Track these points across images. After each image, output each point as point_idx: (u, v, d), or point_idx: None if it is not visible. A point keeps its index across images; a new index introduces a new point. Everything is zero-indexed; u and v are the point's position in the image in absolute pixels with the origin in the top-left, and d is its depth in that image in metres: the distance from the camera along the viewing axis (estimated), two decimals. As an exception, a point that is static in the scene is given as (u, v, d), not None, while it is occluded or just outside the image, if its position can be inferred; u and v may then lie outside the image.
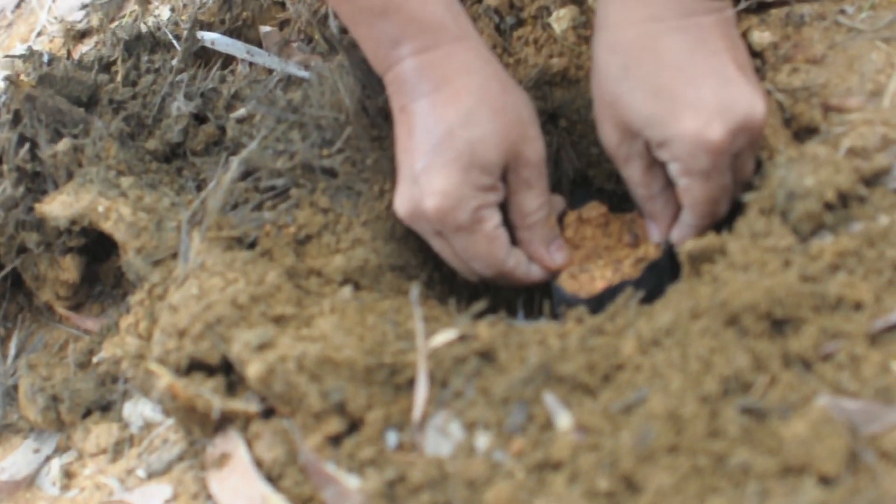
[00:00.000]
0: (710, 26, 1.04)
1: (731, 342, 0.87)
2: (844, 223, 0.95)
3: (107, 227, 1.19)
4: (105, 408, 1.17)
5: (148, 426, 1.13)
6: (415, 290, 0.99)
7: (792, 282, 0.89)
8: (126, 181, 1.22)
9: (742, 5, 1.21)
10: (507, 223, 1.15)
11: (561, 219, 1.21)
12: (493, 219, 1.11)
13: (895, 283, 0.89)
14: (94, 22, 1.70)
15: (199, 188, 1.27)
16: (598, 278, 1.16)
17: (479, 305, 1.01)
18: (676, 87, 1.02)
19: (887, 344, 0.86)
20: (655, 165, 1.09)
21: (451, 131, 1.07)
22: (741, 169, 1.06)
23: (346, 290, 1.08)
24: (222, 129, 1.32)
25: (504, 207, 1.14)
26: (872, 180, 0.99)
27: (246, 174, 1.21)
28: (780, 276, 0.90)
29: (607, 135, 1.10)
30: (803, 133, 1.10)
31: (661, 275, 1.13)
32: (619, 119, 1.07)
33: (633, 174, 1.12)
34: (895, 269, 0.90)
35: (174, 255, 1.16)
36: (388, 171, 1.20)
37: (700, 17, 1.04)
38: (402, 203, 1.12)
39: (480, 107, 1.09)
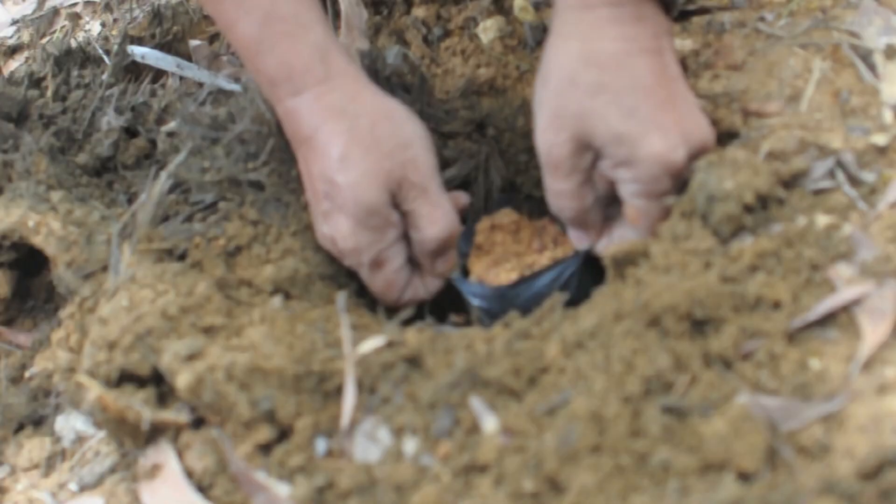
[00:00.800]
0: (667, 50, 1.05)
1: (653, 343, 0.88)
2: (764, 225, 0.97)
3: (37, 241, 1.18)
4: (37, 422, 1.17)
5: (80, 439, 1.12)
6: (341, 298, 1.00)
7: (712, 283, 0.90)
8: (56, 195, 1.22)
9: (664, 13, 1.23)
10: None
11: (473, 225, 1.22)
12: (395, 259, 1.17)
13: (813, 282, 0.91)
14: (25, 38, 1.70)
15: (131, 201, 1.27)
16: (504, 280, 1.19)
17: (407, 312, 1.02)
18: (648, 109, 1.02)
19: (805, 341, 0.87)
20: (590, 181, 1.10)
21: (332, 180, 1.12)
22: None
23: (276, 300, 1.08)
24: (153, 143, 1.32)
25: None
26: (791, 182, 1.01)
27: (175, 187, 1.21)
28: (700, 277, 0.91)
29: (558, 144, 1.08)
30: (725, 138, 1.12)
31: (572, 271, 1.15)
32: (581, 132, 1.06)
33: (570, 187, 1.11)
34: (813, 269, 0.92)
35: (104, 269, 1.15)
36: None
37: (662, 39, 1.05)
38: (319, 238, 1.19)
39: (353, 149, 1.11)
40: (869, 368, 0.84)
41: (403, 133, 1.14)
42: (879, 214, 0.96)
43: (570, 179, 1.10)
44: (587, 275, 1.15)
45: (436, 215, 1.15)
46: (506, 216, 1.22)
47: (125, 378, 1.03)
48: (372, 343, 0.97)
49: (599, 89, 1.03)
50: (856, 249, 0.93)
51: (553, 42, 1.08)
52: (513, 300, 1.15)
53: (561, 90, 1.06)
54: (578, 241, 1.16)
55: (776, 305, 0.90)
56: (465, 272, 1.22)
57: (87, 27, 1.65)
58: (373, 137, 1.12)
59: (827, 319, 0.88)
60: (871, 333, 0.86)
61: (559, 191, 1.11)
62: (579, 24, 1.05)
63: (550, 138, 1.08)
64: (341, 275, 1.19)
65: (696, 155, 1.02)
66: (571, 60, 1.05)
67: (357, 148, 1.11)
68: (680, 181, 1.03)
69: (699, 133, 1.03)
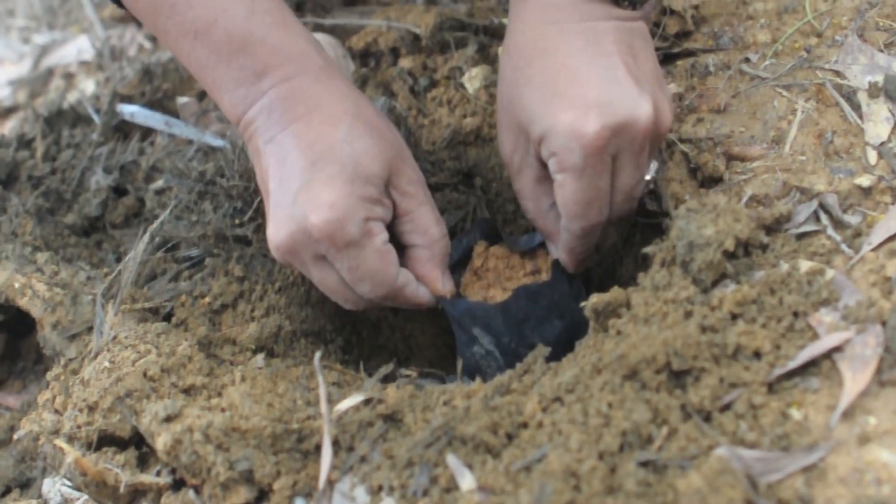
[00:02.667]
0: (606, 31, 1.03)
1: (631, 396, 0.87)
2: (747, 271, 0.95)
3: (23, 303, 1.18)
4: (25, 485, 1.16)
5: (66, 502, 1.11)
6: (317, 355, 0.99)
7: (691, 333, 0.88)
8: (42, 256, 1.22)
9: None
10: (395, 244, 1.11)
11: (470, 250, 1.19)
12: (383, 233, 1.06)
13: (794, 329, 0.89)
14: (21, 98, 1.70)
15: (119, 261, 1.27)
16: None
17: (386, 368, 1.01)
18: (561, 83, 1.01)
19: (786, 391, 0.85)
20: (546, 180, 1.08)
21: (332, 145, 1.04)
22: (621, 175, 1.04)
23: (258, 359, 1.07)
24: (142, 201, 1.31)
25: (392, 230, 1.10)
26: (774, 227, 0.99)
27: (163, 245, 1.21)
28: (679, 327, 0.90)
29: (503, 141, 1.09)
30: (709, 182, 1.10)
31: (555, 290, 1.13)
32: (512, 120, 1.06)
33: (525, 186, 1.10)
34: (794, 316, 0.90)
35: (90, 329, 1.15)
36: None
37: (596, 22, 1.03)
38: (279, 230, 1.04)
39: (357, 123, 1.06)
40: (850, 417, 0.82)
41: (398, 135, 1.13)
42: (864, 258, 0.94)
43: (522, 176, 1.10)
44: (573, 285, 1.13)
45: (437, 217, 1.12)
46: (501, 248, 1.20)
47: (106, 440, 1.03)
48: (350, 401, 0.96)
49: (517, 75, 1.04)
50: (839, 295, 0.91)
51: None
52: (512, 314, 1.13)
53: (499, 87, 1.09)
54: (552, 249, 1.15)
55: (756, 354, 0.88)
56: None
57: (81, 86, 1.66)
58: (378, 121, 1.09)
59: (808, 367, 0.86)
60: (853, 381, 0.84)
61: (517, 190, 1.12)
62: (514, 20, 1.07)
63: (500, 137, 1.10)
64: (327, 331, 1.19)
65: (619, 128, 0.99)
66: (502, 56, 1.08)
67: (363, 124, 1.07)
68: (602, 159, 1.00)
69: (621, 106, 0.99)
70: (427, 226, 1.10)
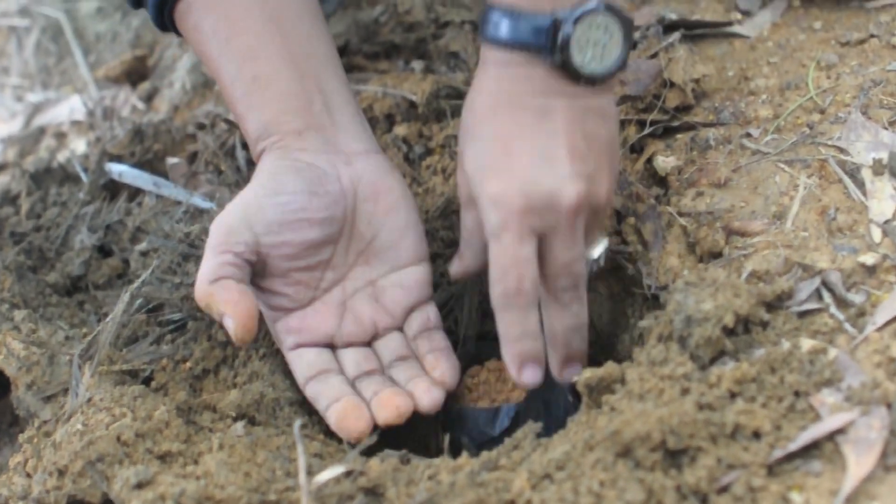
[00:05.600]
0: (557, 108, 1.03)
1: (624, 475, 0.83)
2: (746, 349, 0.92)
3: (-2, 361, 1.15)
4: (-8, 552, 1.12)
5: (33, 571, 1.07)
6: (297, 424, 0.95)
7: (687, 410, 0.85)
8: (20, 314, 1.19)
9: (647, 130, 1.20)
10: None
11: (466, 367, 1.18)
12: None
13: (795, 409, 0.86)
14: (10, 156, 1.69)
15: (100, 322, 1.23)
16: None
17: (370, 440, 0.97)
18: (497, 154, 1.02)
19: (786, 473, 0.82)
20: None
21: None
22: (553, 251, 1.03)
23: (238, 426, 1.04)
24: (126, 262, 1.29)
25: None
26: (775, 304, 0.96)
27: (144, 307, 1.18)
28: (675, 404, 0.86)
29: (458, 181, 1.10)
30: (707, 257, 1.08)
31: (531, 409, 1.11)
32: (461, 177, 1.08)
33: (465, 222, 1.12)
34: (796, 396, 0.87)
35: (66, 391, 1.11)
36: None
37: (549, 98, 1.03)
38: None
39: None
40: (854, 503, 0.78)
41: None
42: (868, 338, 0.91)
43: (466, 213, 1.11)
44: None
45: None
46: (496, 363, 1.18)
47: None
48: (330, 472, 0.92)
49: (469, 136, 1.06)
50: (842, 375, 0.87)
51: None
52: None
53: (459, 133, 1.09)
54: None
55: (756, 434, 0.84)
56: None
57: (72, 146, 1.64)
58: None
59: (810, 449, 0.83)
60: (857, 465, 0.80)
61: (461, 220, 1.13)
62: (477, 78, 1.07)
63: (457, 174, 1.11)
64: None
65: (541, 207, 1.00)
66: (464, 108, 1.08)
67: None
68: (521, 229, 1.00)
69: (545, 184, 1.00)
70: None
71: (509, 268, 1.01)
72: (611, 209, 1.14)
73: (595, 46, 1.02)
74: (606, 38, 1.03)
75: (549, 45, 1.01)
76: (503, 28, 1.02)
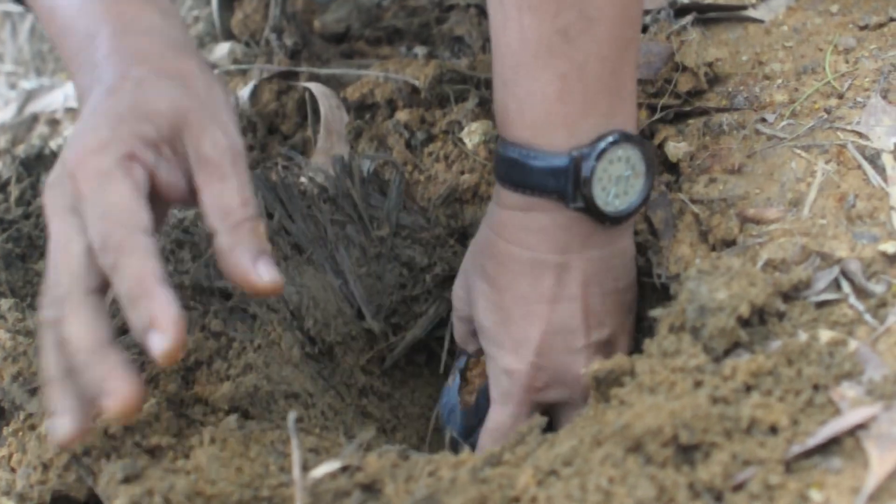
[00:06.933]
0: (577, 267, 1.01)
1: (634, 471, 0.79)
2: (761, 340, 0.88)
3: (-17, 352, 1.11)
4: (-25, 549, 1.08)
5: (15, 568, 1.04)
6: (291, 417, 0.91)
7: (701, 404, 0.81)
8: (6, 303, 1.15)
9: (658, 114, 1.16)
10: None
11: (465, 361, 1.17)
12: (145, 180, 0.85)
13: (814, 403, 0.82)
14: (2, 143, 1.66)
15: (91, 311, 1.20)
16: None
17: (368, 432, 0.94)
18: (513, 316, 1.02)
19: (805, 470, 0.78)
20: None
21: (124, 80, 0.88)
22: (563, 418, 1.05)
23: (231, 419, 1.00)
24: (118, 250, 1.25)
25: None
26: (791, 294, 0.92)
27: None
28: (688, 397, 0.82)
29: (457, 284, 1.12)
30: (721, 246, 1.04)
31: None
32: (464, 288, 1.10)
33: (458, 330, 1.13)
34: (814, 389, 0.83)
35: (54, 383, 1.08)
36: (286, 294, 1.13)
37: (571, 254, 1.01)
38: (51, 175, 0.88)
39: (165, 71, 0.90)
40: (877, 501, 0.74)
41: (224, 101, 0.97)
42: (889, 329, 0.87)
43: (459, 324, 1.12)
44: None
45: (245, 197, 0.90)
46: None
47: (60, 501, 0.96)
48: (326, 467, 0.88)
49: (485, 277, 1.04)
50: (863, 368, 0.84)
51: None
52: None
53: (470, 248, 1.10)
54: None
55: (773, 430, 0.80)
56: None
57: (65, 133, 1.61)
58: (196, 79, 0.93)
59: (830, 445, 0.79)
60: (880, 462, 0.76)
61: (454, 323, 1.14)
62: (495, 215, 1.04)
63: (457, 279, 1.12)
64: (308, 393, 1.11)
65: (556, 387, 1.02)
66: (479, 238, 1.07)
67: (171, 74, 0.93)
68: (527, 406, 1.03)
69: (558, 364, 1.01)
70: (229, 206, 0.87)
71: (504, 435, 1.03)
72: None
73: (618, 183, 0.98)
74: (629, 171, 0.98)
75: (569, 189, 0.96)
76: (517, 170, 0.98)
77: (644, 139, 1.00)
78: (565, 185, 0.96)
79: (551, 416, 1.02)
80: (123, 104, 0.86)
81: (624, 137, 0.96)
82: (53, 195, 0.86)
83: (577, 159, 0.95)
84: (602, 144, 0.95)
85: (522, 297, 1.01)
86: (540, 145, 0.96)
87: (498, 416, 1.04)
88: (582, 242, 1.00)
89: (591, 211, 0.97)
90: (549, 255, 1.00)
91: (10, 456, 1.04)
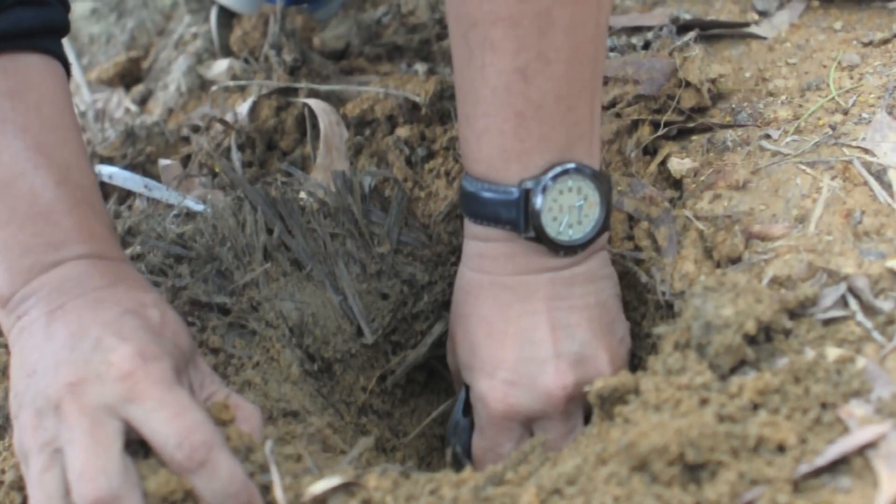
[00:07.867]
0: (538, 285, 1.01)
1: (639, 490, 0.78)
2: (768, 358, 0.87)
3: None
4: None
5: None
6: (268, 445, 0.90)
7: (707, 422, 0.80)
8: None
9: (662, 131, 1.15)
10: None
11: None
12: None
13: (822, 422, 0.81)
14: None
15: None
16: None
17: (366, 443, 0.93)
18: (480, 340, 1.02)
19: (813, 490, 0.77)
20: None
21: (144, 303, 0.94)
22: (548, 433, 1.01)
23: (229, 437, 0.99)
24: (116, 266, 1.23)
25: None
26: (798, 311, 0.91)
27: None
28: (693, 415, 0.81)
29: (449, 346, 1.12)
30: (726, 263, 1.03)
31: None
32: (452, 351, 1.10)
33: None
34: (822, 407, 0.82)
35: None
36: (285, 310, 1.12)
37: (529, 275, 1.01)
38: (58, 374, 0.87)
39: (163, 302, 0.98)
40: (887, 522, 0.73)
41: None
42: (897, 347, 0.86)
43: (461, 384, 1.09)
44: None
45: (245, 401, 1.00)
46: None
47: None
48: (324, 483, 0.87)
49: (457, 313, 1.06)
50: (871, 386, 0.82)
51: None
52: None
53: (451, 310, 1.10)
54: None
55: (780, 448, 0.79)
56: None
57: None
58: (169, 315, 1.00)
59: (838, 464, 0.78)
60: (889, 481, 0.75)
61: (454, 375, 1.13)
62: (464, 251, 1.06)
63: (448, 341, 1.12)
64: (306, 411, 1.10)
65: (531, 404, 1.00)
66: (455, 284, 1.08)
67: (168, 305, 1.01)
68: (507, 426, 1.02)
69: (529, 378, 0.99)
70: (238, 401, 0.96)
71: (486, 459, 1.04)
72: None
73: (570, 212, 0.99)
74: (581, 201, 0.99)
75: (521, 220, 0.97)
76: (474, 203, 1.00)
77: (601, 171, 1.01)
78: (517, 217, 0.97)
79: (532, 434, 1.02)
80: (155, 325, 0.93)
81: (575, 169, 0.97)
82: (36, 431, 0.87)
83: (527, 191, 0.96)
84: (550, 174, 0.96)
85: (485, 319, 1.02)
86: (493, 178, 0.98)
87: (480, 443, 1.04)
88: (542, 265, 1.00)
89: (544, 241, 0.98)
90: (508, 277, 1.01)
91: (3, 472, 1.03)
